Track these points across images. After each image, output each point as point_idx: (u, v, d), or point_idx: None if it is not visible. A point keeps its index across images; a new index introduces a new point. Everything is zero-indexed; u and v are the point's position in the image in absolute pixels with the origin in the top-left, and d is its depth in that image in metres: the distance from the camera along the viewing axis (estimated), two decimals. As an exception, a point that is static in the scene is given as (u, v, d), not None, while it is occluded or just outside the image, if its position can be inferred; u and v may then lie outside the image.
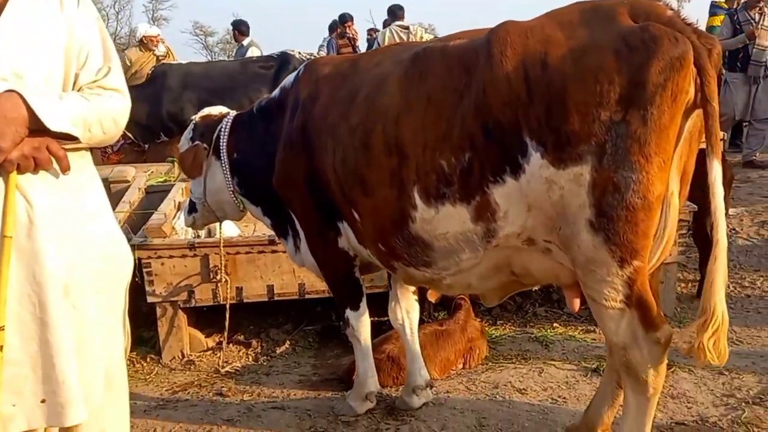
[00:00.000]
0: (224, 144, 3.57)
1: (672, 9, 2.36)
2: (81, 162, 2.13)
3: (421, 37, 8.79)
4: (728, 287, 4.79)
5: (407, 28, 8.77)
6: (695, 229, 4.76)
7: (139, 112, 7.29)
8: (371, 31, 11.70)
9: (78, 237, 2.05)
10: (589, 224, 2.36)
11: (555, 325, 4.62)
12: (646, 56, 2.22)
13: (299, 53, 7.51)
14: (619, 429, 2.57)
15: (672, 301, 4.74)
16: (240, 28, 9.81)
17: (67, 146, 2.03)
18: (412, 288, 3.48)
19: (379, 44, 8.79)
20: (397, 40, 8.70)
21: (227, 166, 3.58)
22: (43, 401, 1.99)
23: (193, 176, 3.63)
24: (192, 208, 3.84)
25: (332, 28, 10.84)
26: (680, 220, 4.42)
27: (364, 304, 3.43)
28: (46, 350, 1.97)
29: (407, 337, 3.53)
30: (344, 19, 10.60)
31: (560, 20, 2.43)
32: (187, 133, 3.75)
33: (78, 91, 2.09)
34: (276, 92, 3.53)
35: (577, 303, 2.71)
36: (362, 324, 3.43)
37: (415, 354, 3.53)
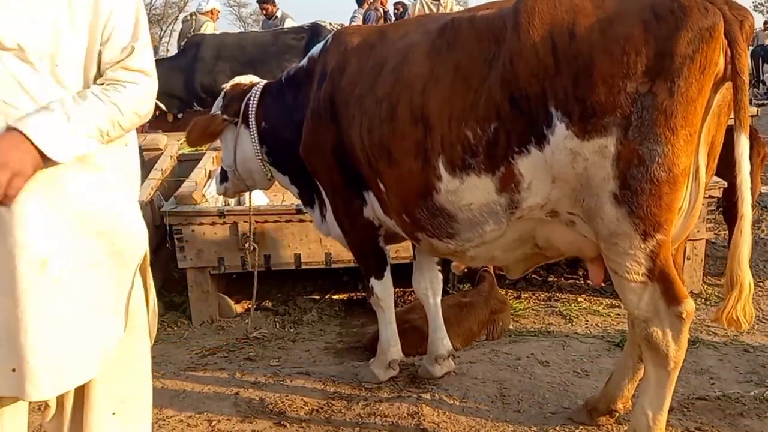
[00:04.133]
0: (253, 113, 3.61)
1: (703, -21, 2.31)
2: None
3: (452, 9, 8.71)
4: (754, 262, 4.76)
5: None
6: (725, 206, 4.70)
7: (172, 83, 7.40)
8: (398, 5, 11.58)
9: (69, 210, 1.98)
10: (613, 196, 2.35)
11: (579, 299, 4.62)
12: (674, 27, 2.19)
13: (330, 24, 7.50)
14: (639, 402, 2.57)
15: (699, 278, 4.70)
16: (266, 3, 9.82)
17: None
18: (436, 259, 3.51)
19: (410, 16, 8.72)
20: (427, 12, 8.64)
21: (255, 135, 3.62)
22: (13, 370, 1.96)
23: (195, 144, 3.70)
24: (224, 177, 3.90)
25: (360, 0, 10.76)
26: (709, 197, 4.39)
27: (388, 274, 3.47)
28: (14, 321, 1.93)
29: (430, 307, 3.56)
30: None
31: (589, -10, 2.40)
32: (218, 101, 3.80)
33: (99, 76, 2.03)
34: (304, 61, 3.55)
35: (600, 276, 2.71)
36: (386, 293, 3.47)
37: (437, 324, 3.57)
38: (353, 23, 8.70)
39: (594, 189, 2.39)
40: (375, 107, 2.91)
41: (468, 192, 2.67)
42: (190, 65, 7.31)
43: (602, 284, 2.87)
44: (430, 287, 3.54)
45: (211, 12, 10.05)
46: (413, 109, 2.75)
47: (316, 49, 3.46)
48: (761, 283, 4.58)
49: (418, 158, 2.76)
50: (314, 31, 7.25)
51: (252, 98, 3.63)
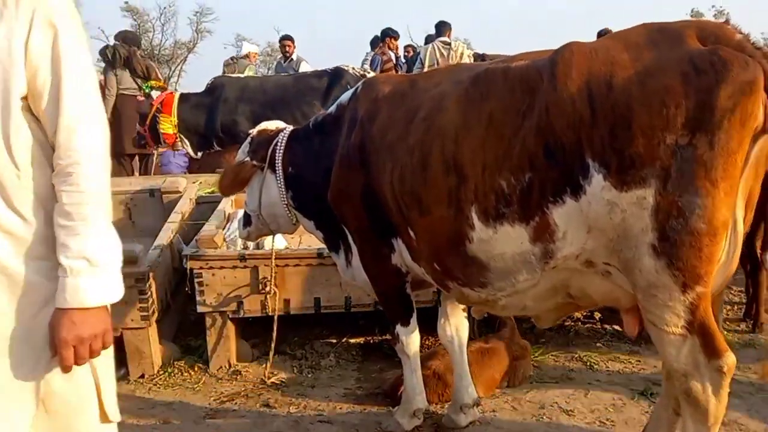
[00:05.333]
0: (280, 158, 3.63)
1: (741, 32, 2.35)
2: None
3: (462, 53, 8.85)
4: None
5: (449, 44, 8.82)
6: (743, 251, 4.67)
7: (197, 120, 7.48)
8: (408, 48, 11.78)
9: None
10: (652, 248, 2.35)
11: (598, 344, 4.58)
12: (714, 80, 2.21)
13: (353, 69, 7.59)
14: (677, 456, 2.53)
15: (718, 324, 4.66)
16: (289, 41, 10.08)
17: None
18: (463, 305, 3.48)
19: (421, 60, 8.86)
20: (439, 56, 8.77)
21: (282, 180, 3.64)
22: None
23: (227, 193, 3.70)
24: (247, 221, 3.91)
25: (374, 43, 10.94)
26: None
27: (414, 320, 3.44)
28: None
29: (456, 355, 3.53)
30: (387, 35, 10.71)
31: (626, 42, 2.43)
32: (244, 147, 3.82)
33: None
34: (332, 108, 3.58)
35: (636, 327, 2.68)
36: (412, 340, 3.44)
37: (463, 371, 3.53)
38: (365, 66, 8.82)
39: (632, 240, 2.39)
40: (407, 155, 2.92)
41: (501, 241, 2.67)
42: (214, 104, 7.41)
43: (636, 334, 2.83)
44: (456, 335, 3.51)
45: (247, 56, 10.51)
46: (446, 158, 2.76)
47: (346, 96, 3.50)
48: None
49: (451, 207, 2.76)
50: (336, 75, 7.34)
51: (279, 143, 3.66)
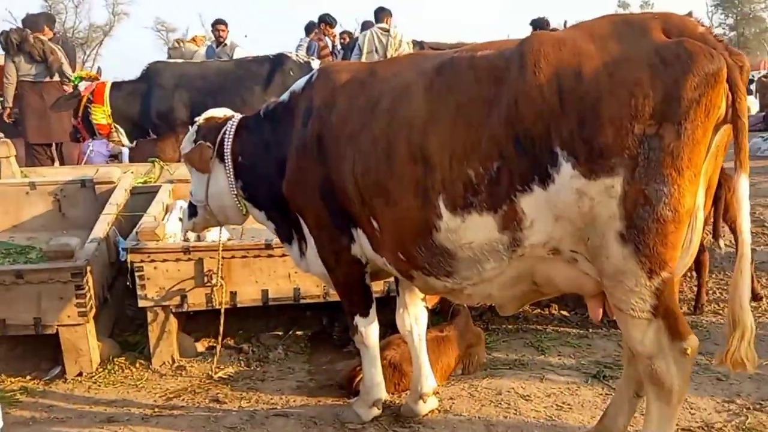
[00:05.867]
0: (228, 147, 3.51)
1: (703, 25, 2.41)
2: None
3: (400, 41, 8.80)
4: (717, 293, 4.94)
5: (387, 31, 8.76)
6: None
7: (130, 109, 7.18)
8: (344, 35, 11.65)
9: None
10: (619, 235, 2.39)
11: (548, 329, 4.67)
12: (681, 71, 2.26)
13: (297, 55, 7.43)
14: (640, 437, 2.60)
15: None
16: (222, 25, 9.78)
17: None
18: (421, 295, 3.47)
19: (359, 47, 8.76)
20: (377, 43, 8.71)
21: (231, 170, 3.52)
22: None
23: (205, 172, 3.54)
24: (192, 212, 3.76)
25: (309, 29, 10.76)
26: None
27: (373, 311, 3.41)
28: None
29: (415, 345, 3.52)
30: (323, 21, 10.57)
31: (592, 33, 2.46)
32: (190, 135, 3.67)
33: None
34: (285, 96, 3.48)
35: (600, 313, 2.74)
36: (371, 331, 3.41)
37: (422, 361, 3.52)
38: (299, 52, 8.65)
39: (600, 228, 2.42)
40: (370, 145, 2.88)
41: (469, 230, 2.66)
42: (149, 91, 7.12)
43: (601, 320, 2.89)
44: (415, 324, 3.50)
45: (194, 39, 10.14)
46: (412, 147, 2.73)
47: (299, 84, 3.40)
48: (720, 311, 4.74)
49: (418, 197, 2.74)
50: (278, 61, 7.16)
51: (228, 132, 3.53)
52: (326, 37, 10.42)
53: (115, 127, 7.07)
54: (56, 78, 8.26)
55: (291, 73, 6.89)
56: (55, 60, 8.21)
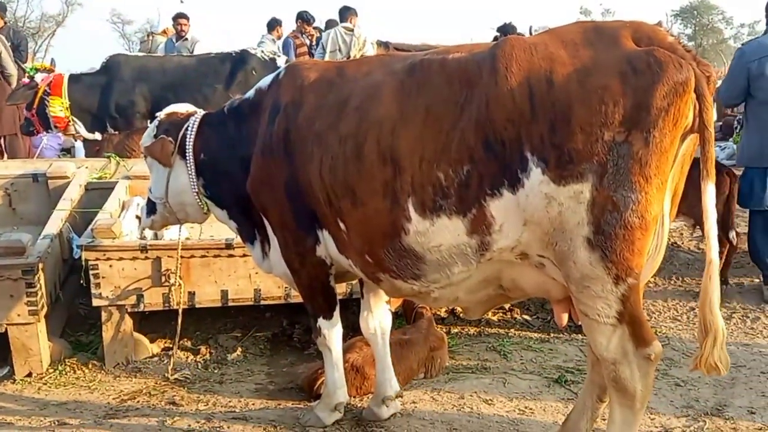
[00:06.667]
0: (190, 143, 3.43)
1: (672, 35, 2.44)
2: None
3: (364, 41, 8.77)
4: (674, 300, 5.03)
5: (352, 30, 8.71)
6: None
7: (88, 102, 7.01)
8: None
9: None
10: (587, 241, 2.40)
11: (510, 333, 4.69)
12: (651, 80, 2.28)
13: (261, 52, 7.32)
14: (602, 442, 2.61)
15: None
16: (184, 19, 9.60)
17: None
18: (386, 298, 3.44)
19: (323, 46, 8.70)
20: (341, 43, 8.66)
21: (192, 167, 3.43)
22: None
23: (167, 165, 3.44)
24: (151, 209, 3.66)
25: (271, 26, 10.60)
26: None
27: (337, 314, 3.36)
28: None
29: (379, 347, 3.48)
30: (300, 18, 10.45)
31: (563, 39, 2.46)
32: (151, 130, 3.57)
33: None
34: (251, 93, 3.41)
35: (565, 318, 2.75)
36: (335, 333, 3.37)
37: (386, 364, 3.49)
38: (262, 48, 8.51)
39: (568, 233, 2.43)
40: (338, 146, 2.83)
41: (438, 233, 2.64)
42: (108, 84, 6.95)
43: (568, 324, 2.90)
44: (379, 327, 3.46)
45: (165, 32, 9.96)
46: (381, 149, 2.70)
47: (266, 81, 3.34)
48: (679, 317, 4.82)
49: (386, 199, 2.70)
50: (241, 58, 7.06)
51: (190, 128, 3.45)
52: (303, 35, 10.27)
53: (72, 120, 6.88)
54: None
55: (254, 71, 6.82)
56: (5, 48, 7.95)
